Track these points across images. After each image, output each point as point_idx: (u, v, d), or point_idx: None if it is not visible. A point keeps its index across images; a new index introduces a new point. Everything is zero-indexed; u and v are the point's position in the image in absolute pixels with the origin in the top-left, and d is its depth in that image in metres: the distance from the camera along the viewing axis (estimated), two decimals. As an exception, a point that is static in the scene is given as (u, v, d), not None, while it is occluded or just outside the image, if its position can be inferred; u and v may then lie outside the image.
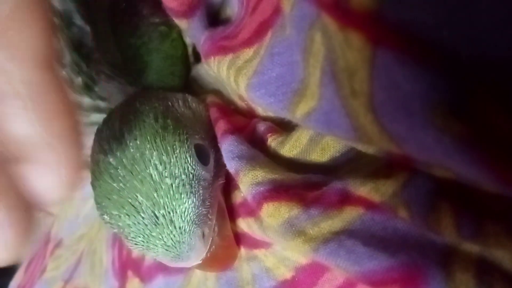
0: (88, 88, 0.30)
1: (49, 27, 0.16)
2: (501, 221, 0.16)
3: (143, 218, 0.23)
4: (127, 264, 0.34)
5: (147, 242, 0.23)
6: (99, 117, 0.29)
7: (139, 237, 0.23)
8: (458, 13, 0.12)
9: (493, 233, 0.16)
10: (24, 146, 0.16)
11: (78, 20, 0.30)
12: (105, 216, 0.24)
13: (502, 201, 0.16)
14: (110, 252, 0.36)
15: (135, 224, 0.23)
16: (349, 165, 0.22)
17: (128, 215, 0.23)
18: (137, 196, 0.23)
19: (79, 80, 0.29)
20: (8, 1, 0.15)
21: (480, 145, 0.12)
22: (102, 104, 0.31)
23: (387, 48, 0.13)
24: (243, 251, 0.26)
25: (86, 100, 0.30)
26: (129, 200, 0.23)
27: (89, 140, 0.29)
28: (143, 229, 0.23)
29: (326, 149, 0.23)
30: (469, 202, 0.17)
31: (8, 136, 0.16)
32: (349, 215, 0.20)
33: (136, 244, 0.24)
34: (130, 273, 0.33)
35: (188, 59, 0.35)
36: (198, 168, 0.24)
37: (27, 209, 0.17)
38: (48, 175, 0.17)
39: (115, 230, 0.25)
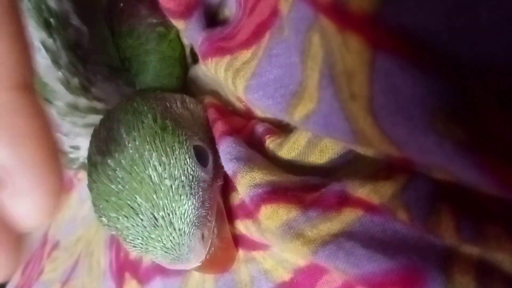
0: (84, 89, 0.30)
1: (23, 45, 0.15)
2: (501, 224, 0.16)
3: (142, 220, 0.23)
4: (124, 266, 0.34)
5: (146, 244, 0.23)
6: (95, 118, 0.29)
7: (138, 239, 0.23)
8: (458, 16, 0.12)
9: (493, 235, 0.16)
10: None
11: (75, 21, 0.30)
12: (103, 219, 0.24)
13: (502, 204, 0.16)
14: (108, 254, 0.36)
15: (133, 226, 0.23)
16: (347, 167, 0.22)
17: (127, 217, 0.23)
18: (136, 198, 0.23)
19: (75, 81, 0.29)
20: None
21: (480, 149, 0.12)
22: (98, 105, 0.31)
23: (386, 52, 0.13)
24: (241, 253, 0.26)
25: (82, 101, 0.30)
26: (128, 202, 0.23)
27: (85, 142, 0.29)
28: (142, 231, 0.23)
29: (325, 151, 0.23)
30: (469, 205, 0.17)
31: None
32: (348, 217, 0.20)
33: (134, 246, 0.24)
34: (127, 275, 0.33)
35: (186, 60, 0.35)
36: (197, 169, 0.24)
37: (12, 232, 0.17)
38: (23, 201, 0.16)
39: (113, 232, 0.25)
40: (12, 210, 0.16)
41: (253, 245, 0.25)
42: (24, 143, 0.16)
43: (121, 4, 0.33)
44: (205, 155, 0.26)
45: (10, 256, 0.17)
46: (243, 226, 0.26)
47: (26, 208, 0.16)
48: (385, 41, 0.13)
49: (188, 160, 0.24)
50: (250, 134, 0.27)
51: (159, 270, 0.30)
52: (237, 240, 0.26)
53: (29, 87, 0.16)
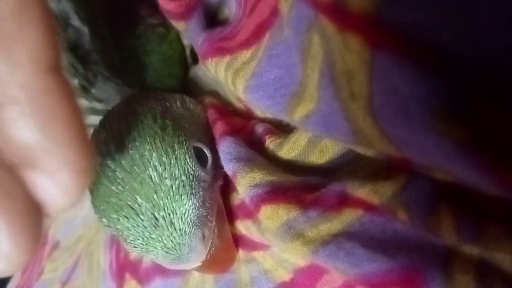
0: (84, 90, 0.30)
1: (50, 29, 0.16)
2: (501, 224, 0.16)
3: (142, 220, 0.23)
4: (124, 266, 0.34)
5: (147, 244, 0.23)
6: (95, 119, 0.29)
7: (139, 239, 0.23)
8: (458, 15, 0.12)
9: (493, 235, 0.16)
10: (26, 152, 0.16)
11: (75, 21, 0.30)
12: (104, 220, 0.24)
13: (502, 204, 0.16)
14: (108, 254, 0.36)
15: (134, 226, 0.23)
16: (347, 167, 0.22)
17: (127, 218, 0.23)
18: (136, 198, 0.23)
19: (75, 82, 0.29)
20: (7, 3, 0.15)
21: (480, 149, 0.12)
22: (98, 106, 0.31)
23: (386, 51, 0.13)
24: (241, 253, 0.26)
25: (82, 102, 0.30)
26: (128, 203, 0.23)
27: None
28: (142, 232, 0.23)
29: (325, 151, 0.23)
30: (470, 205, 0.17)
31: (9, 141, 0.15)
32: (348, 217, 0.20)
33: (135, 247, 0.24)
34: (127, 275, 0.33)
35: (186, 60, 0.35)
36: (197, 169, 0.24)
37: (35, 215, 0.17)
38: (51, 182, 0.16)
39: (114, 233, 0.25)
40: (41, 191, 0.17)
41: (253, 245, 0.25)
42: (55, 124, 0.16)
43: (122, 5, 0.33)
44: (205, 155, 0.26)
45: (32, 238, 0.17)
46: (243, 226, 0.26)
47: (56, 188, 0.16)
48: (385, 41, 0.13)
49: (188, 160, 0.24)
50: (250, 134, 0.27)
51: (159, 270, 0.30)
52: (237, 240, 0.26)
53: (60, 69, 0.16)
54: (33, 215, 0.17)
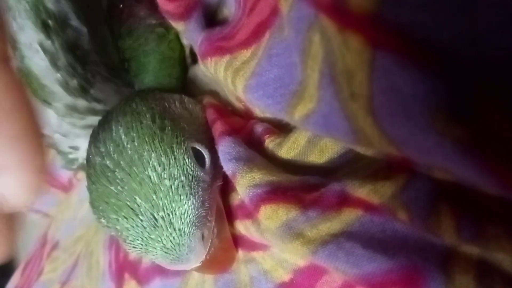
0: (83, 91, 0.29)
1: None
2: (501, 224, 0.16)
3: (141, 220, 0.23)
4: (124, 267, 0.34)
5: (146, 245, 0.23)
6: (94, 120, 0.29)
7: (138, 240, 0.23)
8: (458, 15, 0.12)
9: (493, 235, 0.16)
10: None
11: (74, 21, 0.30)
12: (102, 220, 0.24)
13: (503, 204, 0.16)
14: (107, 254, 0.36)
15: (133, 227, 0.23)
16: (347, 166, 0.22)
17: (126, 218, 0.23)
18: (135, 199, 0.23)
19: (74, 82, 0.29)
20: None
21: (480, 148, 0.12)
22: (97, 106, 0.31)
23: (386, 51, 0.13)
24: (241, 253, 0.26)
25: (81, 103, 0.30)
26: (127, 203, 0.23)
27: (85, 142, 0.29)
28: (141, 232, 0.23)
29: (325, 150, 0.23)
30: (470, 205, 0.17)
31: None
32: (348, 217, 0.20)
33: (134, 247, 0.24)
34: (127, 275, 0.33)
35: (185, 60, 0.35)
36: (196, 169, 0.24)
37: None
38: (7, 179, 0.16)
39: (113, 233, 0.25)
40: (1, 189, 0.16)
41: (252, 246, 0.25)
42: (5, 118, 0.15)
43: (121, 5, 0.33)
44: (204, 155, 0.26)
45: (2, 236, 0.17)
46: (242, 227, 0.26)
47: (10, 186, 0.16)
48: (385, 40, 0.13)
49: (187, 160, 0.24)
50: (250, 134, 0.27)
51: (159, 271, 0.30)
52: (237, 241, 0.26)
53: (5, 60, 0.16)
54: None
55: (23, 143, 0.16)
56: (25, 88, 0.17)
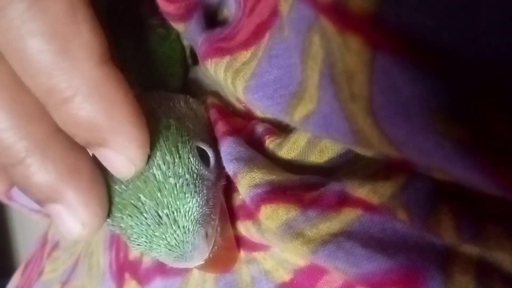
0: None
1: (100, 24, 0.18)
2: (501, 224, 0.16)
3: (146, 218, 0.23)
4: (124, 267, 0.34)
5: (150, 242, 0.23)
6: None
7: (142, 237, 0.23)
8: (458, 15, 0.12)
9: (493, 235, 0.16)
10: (94, 132, 0.19)
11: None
12: (107, 219, 0.24)
13: (503, 204, 0.16)
14: (108, 254, 0.36)
15: (137, 224, 0.23)
16: (347, 167, 0.22)
17: (131, 216, 0.23)
18: (140, 197, 0.23)
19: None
20: (61, 3, 0.17)
21: (481, 149, 0.12)
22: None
23: (386, 52, 0.13)
24: (242, 253, 0.26)
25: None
26: (132, 201, 0.23)
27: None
28: (146, 229, 0.23)
29: (325, 151, 0.23)
30: (470, 205, 0.17)
31: (82, 126, 0.19)
32: (348, 217, 0.20)
33: (138, 245, 0.24)
34: (127, 275, 0.33)
35: (187, 60, 0.35)
36: (201, 168, 0.24)
37: (100, 187, 0.22)
38: (117, 155, 0.20)
39: (117, 232, 0.25)
40: (111, 164, 0.21)
41: (253, 246, 0.25)
42: (116, 107, 0.19)
43: (122, 6, 0.33)
44: (208, 154, 0.26)
45: (102, 207, 0.22)
46: (243, 228, 0.26)
47: (121, 161, 0.20)
48: (385, 41, 0.13)
49: (192, 159, 0.24)
50: (250, 134, 0.27)
51: (159, 271, 0.30)
52: (238, 241, 0.26)
53: (111, 59, 0.20)
54: (98, 187, 0.22)
55: (133, 125, 0.20)
56: (125, 79, 0.20)
